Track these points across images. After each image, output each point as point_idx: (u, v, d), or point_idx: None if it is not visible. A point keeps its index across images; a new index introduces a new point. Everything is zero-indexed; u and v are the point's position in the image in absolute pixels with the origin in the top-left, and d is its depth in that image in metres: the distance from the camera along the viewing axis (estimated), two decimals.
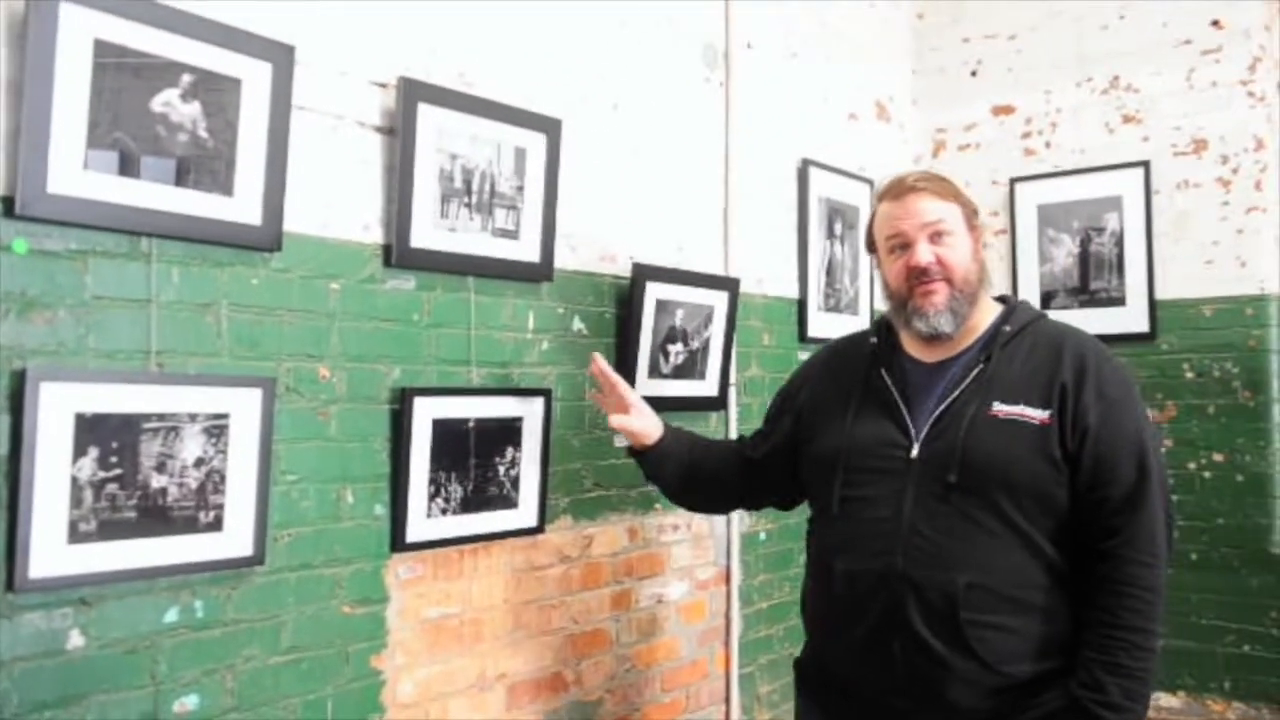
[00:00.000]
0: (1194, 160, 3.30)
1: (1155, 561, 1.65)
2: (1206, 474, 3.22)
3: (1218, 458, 3.21)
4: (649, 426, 2.09)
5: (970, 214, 1.82)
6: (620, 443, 2.25)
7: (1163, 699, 3.25)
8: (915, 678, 1.69)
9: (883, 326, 1.92)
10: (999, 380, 1.73)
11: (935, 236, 1.77)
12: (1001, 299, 1.89)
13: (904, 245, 1.79)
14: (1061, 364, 1.71)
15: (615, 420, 2.09)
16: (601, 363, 2.10)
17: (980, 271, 1.81)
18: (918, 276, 1.77)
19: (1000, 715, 1.67)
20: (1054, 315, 3.50)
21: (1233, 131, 3.24)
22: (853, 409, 1.85)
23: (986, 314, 1.82)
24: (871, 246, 1.91)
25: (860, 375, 1.88)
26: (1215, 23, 3.27)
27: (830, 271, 3.28)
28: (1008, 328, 1.78)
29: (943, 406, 1.75)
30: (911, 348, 1.85)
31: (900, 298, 1.81)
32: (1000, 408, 1.70)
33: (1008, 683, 1.66)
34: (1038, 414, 1.69)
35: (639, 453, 2.12)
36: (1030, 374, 1.72)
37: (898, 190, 1.82)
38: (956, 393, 1.75)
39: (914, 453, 1.74)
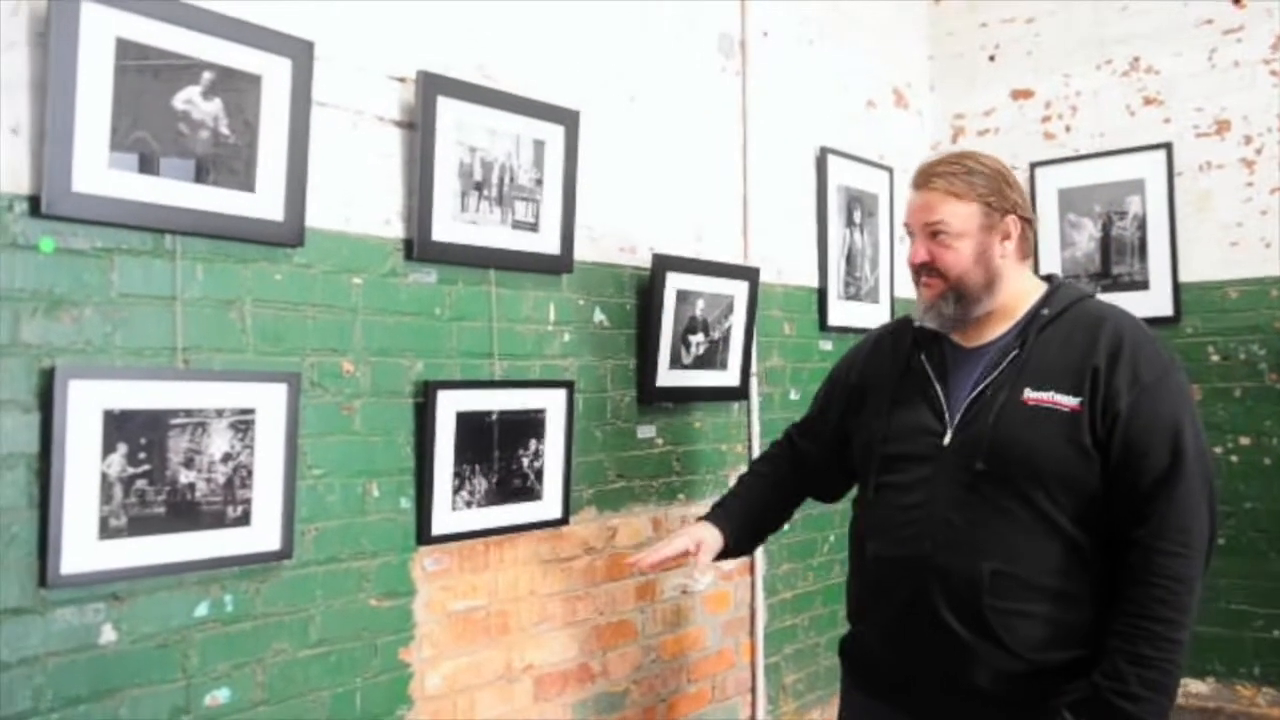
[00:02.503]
0: (1216, 141, 3.26)
1: (1187, 552, 1.60)
2: (1234, 458, 3.20)
3: (1244, 441, 3.18)
4: (712, 540, 1.98)
5: (992, 210, 1.75)
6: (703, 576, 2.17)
7: (1192, 685, 3.23)
8: (939, 662, 1.70)
9: None
10: (1033, 366, 1.70)
11: (933, 236, 1.76)
12: (1047, 278, 1.84)
13: (912, 236, 1.81)
14: (1096, 347, 1.67)
15: (701, 566, 2.07)
16: (642, 560, 1.98)
17: (987, 273, 1.75)
18: (915, 270, 1.80)
19: (1027, 701, 1.66)
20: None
21: (1256, 111, 3.20)
22: (892, 395, 1.84)
23: (1025, 297, 1.78)
24: None
25: (903, 360, 1.87)
26: (1236, 1, 3.24)
27: (850, 259, 3.27)
28: (1046, 311, 1.75)
29: (976, 393, 1.73)
30: (954, 333, 1.83)
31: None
32: (1031, 394, 1.67)
33: (1034, 669, 1.65)
34: (1068, 401, 1.65)
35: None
36: (1065, 358, 1.69)
37: (916, 180, 1.81)
38: (990, 379, 1.73)
39: (947, 439, 1.73)
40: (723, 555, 2.01)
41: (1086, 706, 1.61)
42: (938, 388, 1.78)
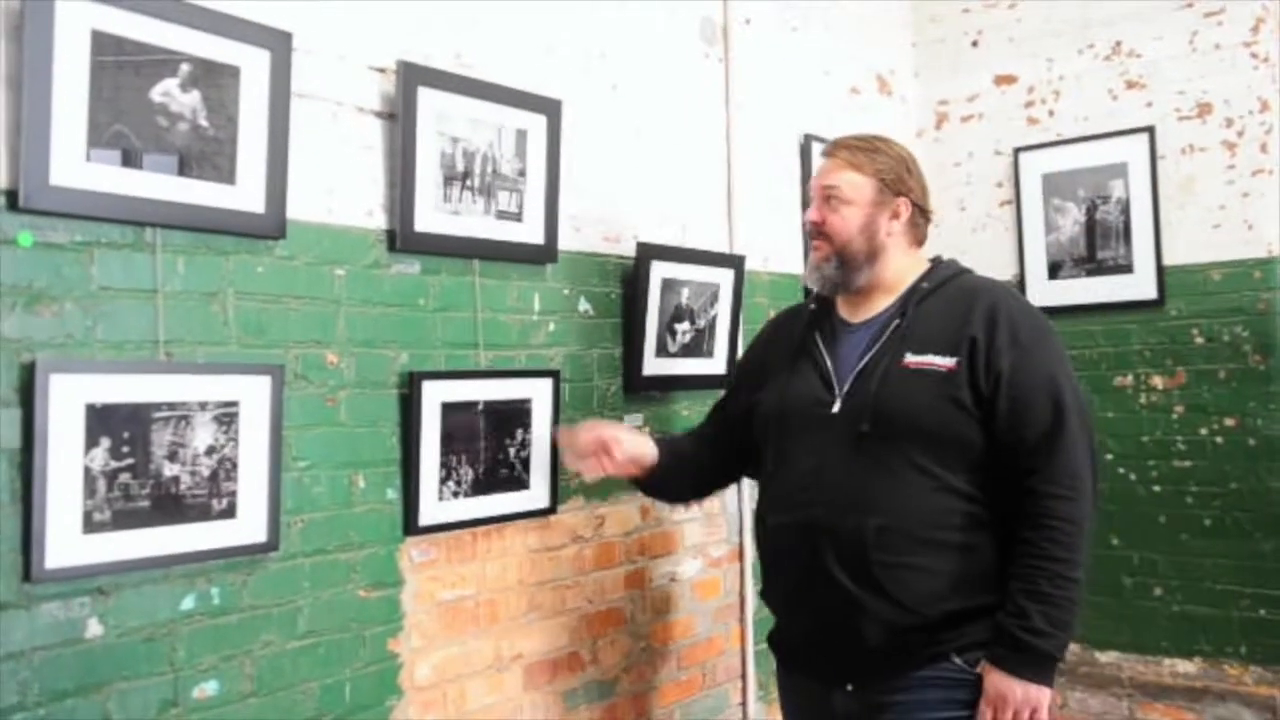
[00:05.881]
0: (1198, 124, 3.27)
1: (1075, 495, 1.71)
2: (1219, 439, 3.21)
3: (1229, 422, 3.20)
4: (644, 449, 2.01)
5: (885, 187, 1.88)
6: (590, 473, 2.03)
7: (1179, 665, 3.25)
8: (835, 621, 1.77)
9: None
10: (913, 334, 1.81)
11: (827, 200, 1.89)
12: (932, 260, 1.96)
13: (813, 199, 1.94)
14: (973, 314, 1.79)
15: (620, 462, 1.97)
16: (559, 431, 2.10)
17: (870, 244, 1.87)
18: (809, 233, 1.94)
19: (915, 651, 1.74)
20: (1062, 284, 3.50)
21: (1237, 94, 3.21)
22: (786, 371, 1.94)
23: (908, 274, 1.90)
24: None
25: (798, 339, 1.97)
26: None
27: None
28: (925, 284, 1.87)
29: (863, 362, 1.83)
30: (842, 309, 1.95)
31: None
32: (911, 359, 1.78)
33: (923, 621, 1.72)
34: (945, 361, 1.76)
35: (641, 478, 2.06)
36: (941, 325, 1.80)
37: (825, 149, 1.96)
38: (875, 349, 1.83)
39: (836, 407, 1.82)
40: (646, 480, 2.04)
41: (995, 645, 1.71)
42: (826, 360, 1.89)
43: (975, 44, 3.69)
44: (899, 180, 1.89)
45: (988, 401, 1.74)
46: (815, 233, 1.91)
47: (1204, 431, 3.23)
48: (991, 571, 1.75)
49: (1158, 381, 3.31)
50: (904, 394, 1.76)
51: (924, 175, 1.96)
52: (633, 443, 1.99)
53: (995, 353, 1.75)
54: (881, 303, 1.89)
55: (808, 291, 2.04)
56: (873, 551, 1.72)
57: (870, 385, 1.79)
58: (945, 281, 1.88)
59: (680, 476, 2.10)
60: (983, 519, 1.76)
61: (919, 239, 1.94)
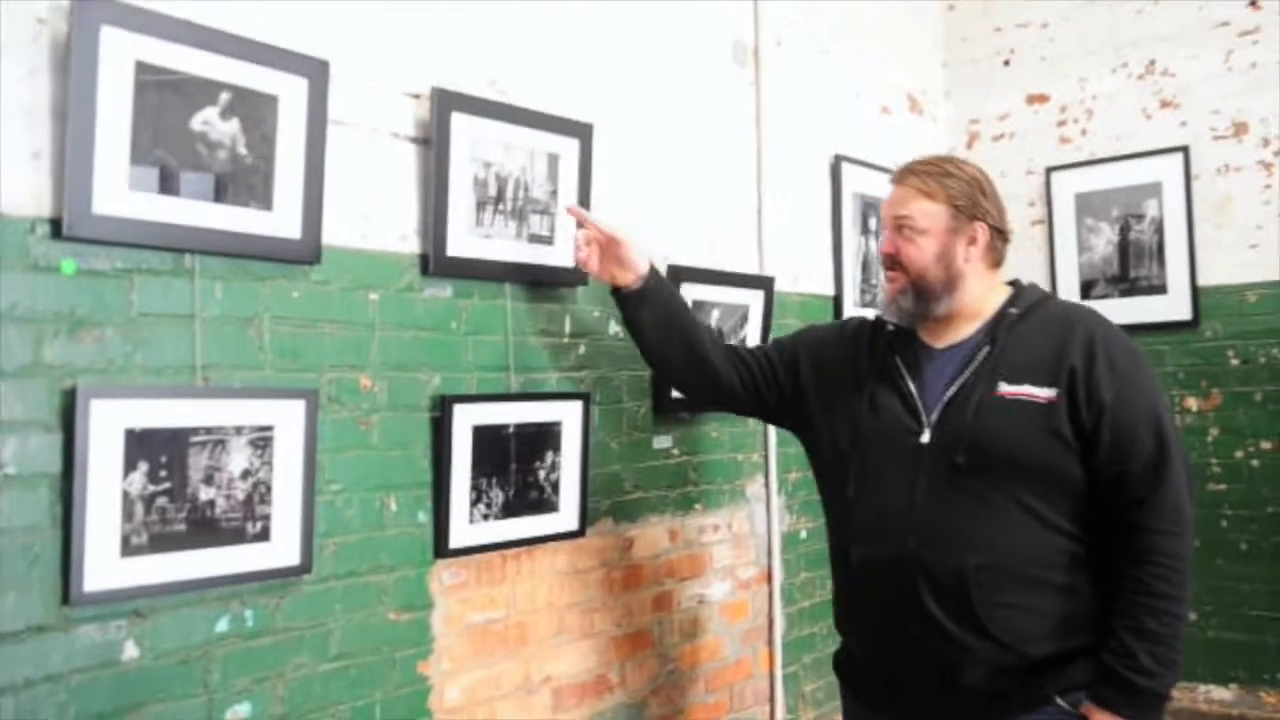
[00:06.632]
0: (1234, 144, 3.25)
1: (1180, 531, 1.66)
2: (1255, 462, 3.17)
3: (1265, 445, 3.16)
4: (635, 259, 2.05)
5: (960, 213, 1.81)
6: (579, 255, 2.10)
7: (1214, 692, 3.21)
8: (931, 661, 1.71)
9: None
10: (1005, 362, 1.75)
11: (899, 230, 1.84)
12: (1012, 283, 1.90)
13: (885, 229, 1.90)
14: (1070, 343, 1.72)
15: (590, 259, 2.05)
16: (575, 207, 2.13)
17: (947, 272, 1.81)
18: (884, 264, 1.88)
19: (1018, 694, 1.68)
20: (1094, 304, 3.48)
21: (1273, 113, 3.18)
22: (867, 394, 1.87)
23: (990, 301, 1.84)
24: None
25: (877, 359, 1.91)
26: (1252, 3, 3.22)
27: (865, 267, 3.27)
28: (1014, 310, 1.81)
29: (952, 391, 1.77)
30: (923, 333, 1.88)
31: None
32: (1006, 389, 1.72)
33: (1025, 662, 1.67)
34: (1043, 393, 1.70)
35: (620, 292, 2.08)
36: (1037, 354, 1.74)
37: (894, 176, 1.90)
38: (964, 376, 1.77)
39: (924, 437, 1.77)
40: (631, 296, 2.04)
41: (1101, 685, 1.65)
42: (911, 387, 1.82)
43: (1007, 63, 3.68)
44: (973, 204, 1.82)
45: (1089, 434, 1.68)
46: (890, 264, 1.85)
47: (1239, 454, 3.19)
48: (1091, 611, 1.70)
49: (1192, 404, 3.28)
50: (1001, 426, 1.70)
51: (999, 194, 1.89)
52: (633, 248, 2.03)
53: (1096, 383, 1.68)
54: (965, 328, 1.83)
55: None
56: (974, 590, 1.67)
57: (965, 416, 1.72)
58: (1034, 307, 1.81)
59: (672, 331, 2.04)
60: (1081, 557, 1.71)
61: (996, 261, 1.87)
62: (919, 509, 1.73)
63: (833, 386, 1.95)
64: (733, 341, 2.65)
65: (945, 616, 1.68)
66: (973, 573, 1.67)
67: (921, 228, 1.81)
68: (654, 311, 2.05)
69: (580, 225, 2.10)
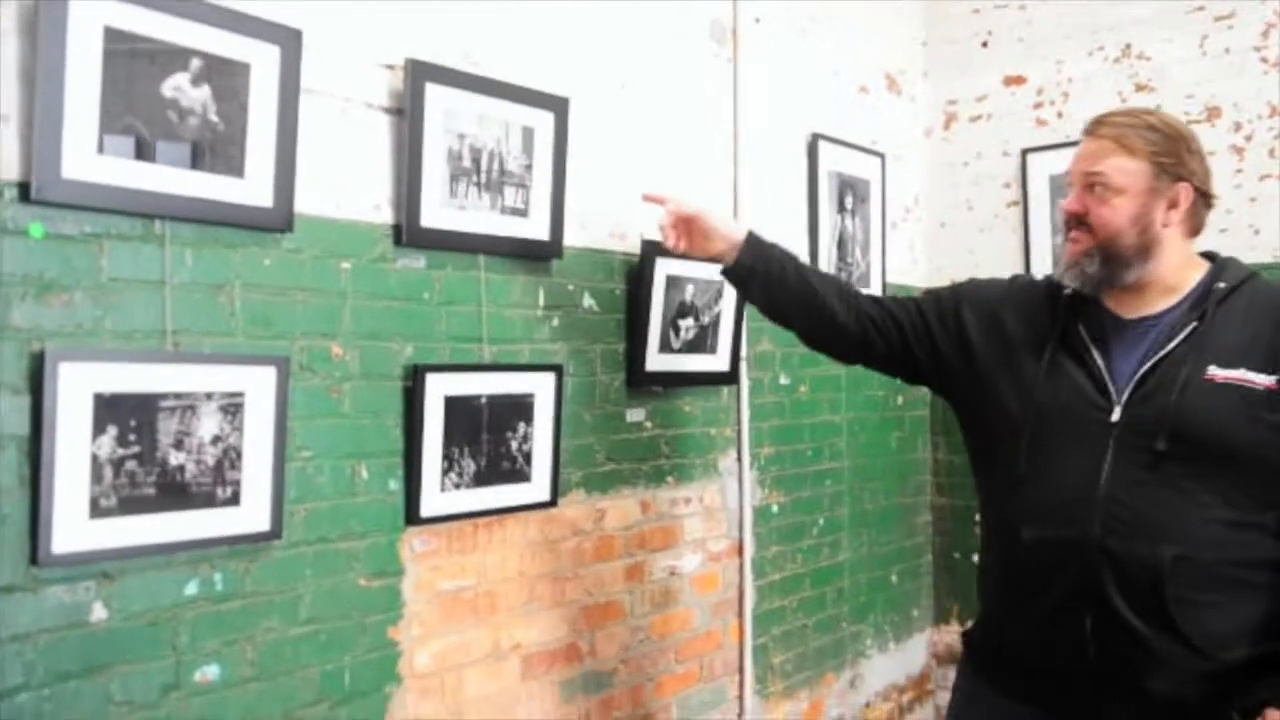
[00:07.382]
0: (1207, 128, 3.27)
1: None
2: None
3: None
4: (717, 225, 1.99)
5: (1163, 172, 1.64)
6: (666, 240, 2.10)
7: None
8: (1109, 659, 1.58)
9: None
10: (1214, 342, 1.59)
11: (1090, 189, 1.67)
12: (1207, 255, 1.75)
13: (1072, 186, 1.72)
14: None
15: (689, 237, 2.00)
16: (669, 204, 2.06)
17: (1143, 237, 1.64)
18: (1066, 223, 1.71)
19: (1197, 705, 1.55)
20: None
21: (1246, 99, 3.21)
22: (1045, 362, 1.71)
23: (1188, 272, 1.69)
24: None
25: (1054, 324, 1.74)
26: None
27: (841, 245, 3.29)
28: (1221, 284, 1.64)
29: (1147, 366, 1.62)
30: (1110, 300, 1.71)
31: None
32: (1217, 371, 1.57)
33: (1217, 668, 1.54)
34: (1262, 379, 1.55)
35: (727, 273, 2.03)
36: (1250, 336, 1.59)
37: (1088, 127, 1.72)
38: (1164, 353, 1.62)
39: (1115, 416, 1.62)
40: (734, 280, 2.02)
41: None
42: (1098, 359, 1.67)
43: (985, 45, 3.70)
44: (1179, 162, 1.64)
45: None
46: (1075, 223, 1.68)
47: None
48: (1274, 615, 1.56)
49: None
50: (1212, 412, 1.55)
51: (1205, 153, 1.71)
52: (710, 218, 1.98)
53: None
54: (1160, 301, 1.67)
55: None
56: (1169, 585, 1.52)
57: (1168, 397, 1.57)
58: (1241, 283, 1.64)
59: (788, 297, 1.95)
60: (1270, 552, 1.57)
61: (1196, 228, 1.69)
62: (1105, 492, 1.59)
63: (1005, 348, 1.78)
64: (703, 318, 2.67)
65: (1130, 611, 1.55)
66: (1168, 565, 1.52)
67: (1118, 186, 1.64)
68: (763, 288, 1.97)
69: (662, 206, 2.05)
